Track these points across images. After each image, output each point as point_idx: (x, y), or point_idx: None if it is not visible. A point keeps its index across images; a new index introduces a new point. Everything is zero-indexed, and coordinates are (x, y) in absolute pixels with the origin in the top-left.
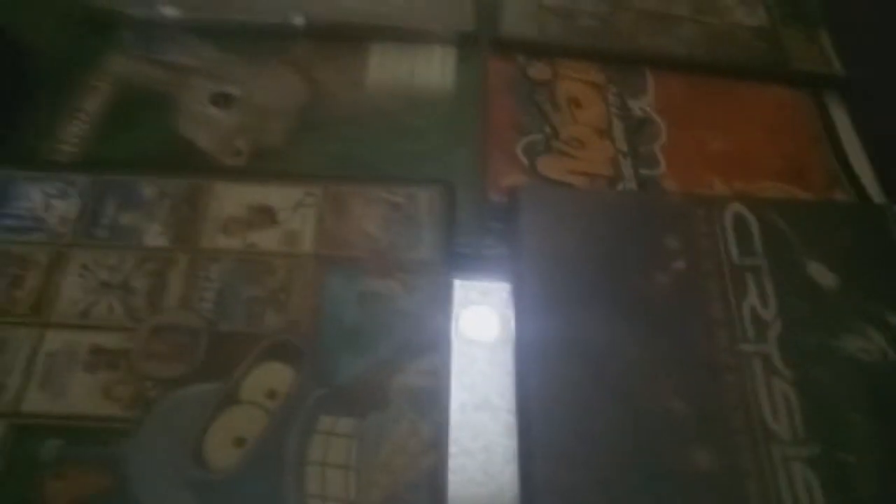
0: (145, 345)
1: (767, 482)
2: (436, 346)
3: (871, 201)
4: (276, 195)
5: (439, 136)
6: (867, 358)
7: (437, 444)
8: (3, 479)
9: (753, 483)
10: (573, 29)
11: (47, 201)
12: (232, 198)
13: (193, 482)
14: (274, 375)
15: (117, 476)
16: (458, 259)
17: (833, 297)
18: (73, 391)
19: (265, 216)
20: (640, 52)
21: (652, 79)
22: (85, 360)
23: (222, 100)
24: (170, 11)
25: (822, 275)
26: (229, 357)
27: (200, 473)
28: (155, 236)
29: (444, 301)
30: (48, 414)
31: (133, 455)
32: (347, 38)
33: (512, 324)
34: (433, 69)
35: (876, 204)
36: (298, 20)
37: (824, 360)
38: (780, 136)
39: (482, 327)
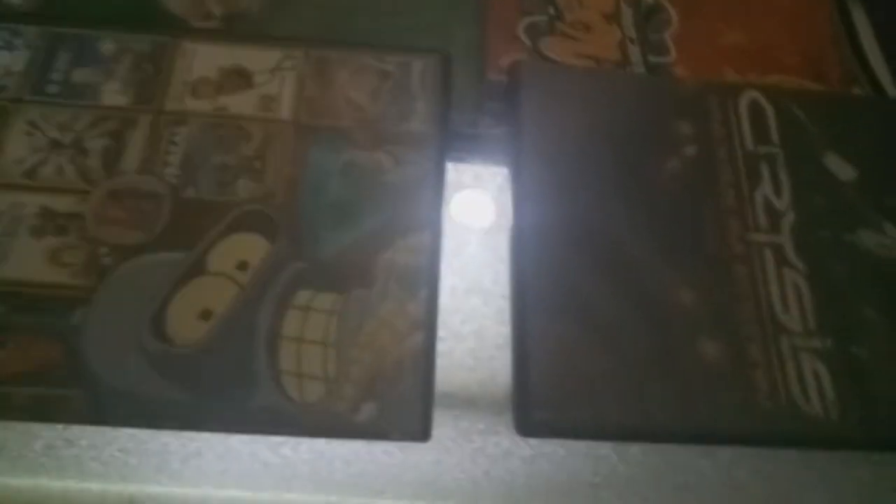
0: (100, 208)
1: (776, 373)
2: (426, 223)
3: (889, 97)
4: (252, 57)
5: (436, 10)
6: (884, 253)
7: (426, 323)
8: None
9: (762, 373)
10: None
11: None
12: (202, 58)
13: (154, 355)
14: (246, 246)
15: (68, 346)
16: (454, 139)
17: (850, 191)
18: (17, 256)
19: (239, 79)
20: None
21: None
22: (31, 224)
23: None
24: None
25: (840, 167)
26: (196, 226)
27: (161, 346)
28: (113, 95)
29: (436, 176)
30: None
31: (85, 325)
32: None
33: (508, 208)
34: None
35: (894, 98)
36: None
37: (839, 253)
38: (797, 31)
39: (476, 211)
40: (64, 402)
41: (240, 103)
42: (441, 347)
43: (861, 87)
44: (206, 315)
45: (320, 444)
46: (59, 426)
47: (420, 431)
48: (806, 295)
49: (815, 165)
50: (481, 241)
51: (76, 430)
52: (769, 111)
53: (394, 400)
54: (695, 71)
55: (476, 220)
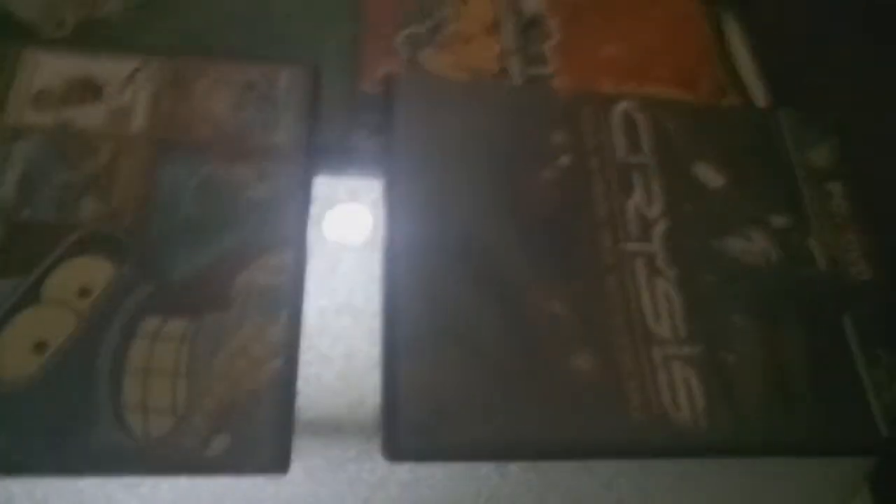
0: None
1: (647, 383)
2: (289, 240)
3: (758, 107)
4: (103, 68)
5: (307, 20)
6: (750, 260)
7: (286, 348)
8: None
9: (634, 384)
10: None
11: None
12: (45, 68)
13: None
14: (88, 271)
15: None
16: (325, 153)
17: (719, 199)
18: None
19: (87, 90)
20: None
21: None
22: None
23: None
24: None
25: (709, 176)
26: (32, 251)
27: None
28: None
29: (301, 192)
30: None
31: None
32: None
33: (378, 225)
34: None
35: (763, 109)
36: None
37: (708, 261)
38: (672, 43)
39: (348, 227)
40: None
41: (87, 116)
42: (307, 371)
43: (732, 97)
44: (39, 348)
45: (183, 481)
46: None
47: (277, 463)
48: (676, 303)
49: (685, 174)
50: (353, 258)
51: None
52: (641, 122)
53: (248, 431)
54: (573, 82)
55: (349, 236)
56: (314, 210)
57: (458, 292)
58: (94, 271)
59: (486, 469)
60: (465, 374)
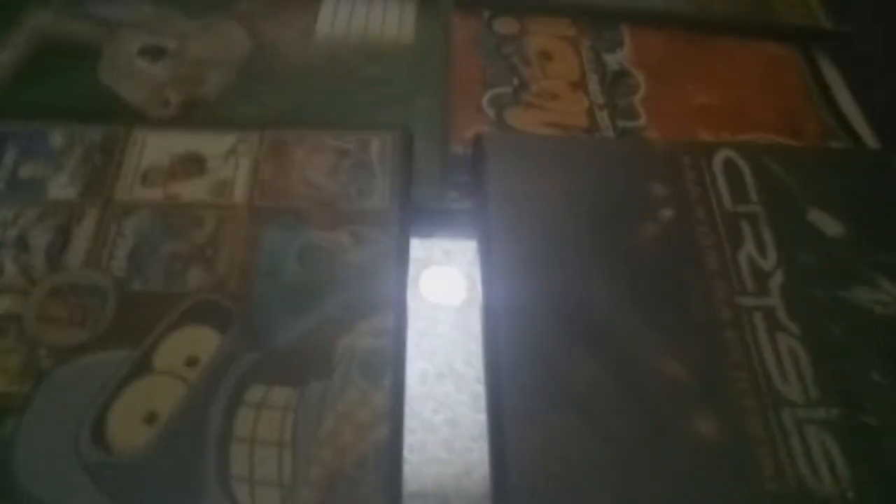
0: (41, 308)
1: (780, 450)
2: (389, 303)
3: (869, 148)
4: (205, 142)
5: (397, 86)
6: (882, 310)
7: (391, 414)
8: None
9: (765, 451)
10: None
11: None
12: (153, 146)
13: (92, 466)
14: (196, 340)
15: (5, 455)
16: (419, 214)
17: (840, 246)
18: None
19: (191, 165)
20: (614, 9)
21: (628, 33)
22: None
23: (153, 52)
24: None
25: (826, 222)
26: (143, 321)
27: (101, 455)
28: (61, 188)
29: (399, 254)
30: None
31: (18, 437)
32: None
33: (479, 285)
34: (391, 21)
35: (877, 150)
36: None
37: (834, 313)
38: (769, 89)
39: (445, 289)
40: None
41: (192, 190)
42: (411, 440)
43: (839, 140)
44: (151, 418)
45: None
46: None
47: None
48: (804, 360)
49: (800, 222)
50: (452, 320)
51: None
52: (745, 169)
53: (358, 502)
54: (666, 133)
55: (445, 298)
56: (410, 272)
57: (565, 355)
58: (202, 340)
59: None
60: (578, 441)
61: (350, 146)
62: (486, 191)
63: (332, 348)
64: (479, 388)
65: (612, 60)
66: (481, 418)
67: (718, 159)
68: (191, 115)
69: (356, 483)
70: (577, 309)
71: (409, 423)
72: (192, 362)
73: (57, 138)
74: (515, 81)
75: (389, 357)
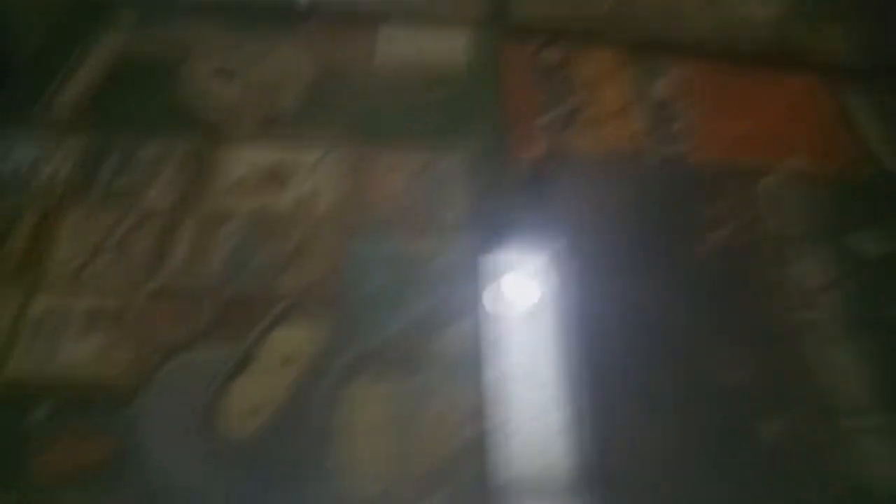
0: (146, 307)
1: (839, 455)
2: (470, 309)
3: None
4: (290, 158)
5: (456, 112)
6: None
7: (480, 412)
8: None
9: (825, 456)
10: (589, 14)
11: (35, 159)
12: (242, 160)
13: (207, 452)
14: (293, 339)
15: (121, 443)
16: (489, 229)
17: (884, 266)
18: (66, 355)
19: (278, 179)
20: (658, 39)
21: (672, 62)
22: (78, 324)
23: (227, 74)
24: None
25: (868, 244)
26: (241, 321)
27: (214, 443)
28: (156, 198)
29: (477, 265)
30: (37, 378)
31: (137, 422)
32: (355, 19)
33: (549, 295)
34: (446, 48)
35: None
36: (303, 1)
37: (881, 327)
38: (802, 118)
39: (516, 298)
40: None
41: (279, 201)
42: (495, 438)
43: (867, 166)
44: (257, 410)
45: None
46: None
47: None
48: (859, 372)
49: (842, 242)
50: (525, 327)
51: None
52: (788, 194)
53: (456, 493)
54: (709, 159)
55: (518, 306)
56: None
57: (637, 359)
58: (300, 339)
59: None
60: (655, 441)
61: (425, 164)
62: (550, 210)
63: (421, 350)
64: (554, 391)
65: (657, 89)
66: (561, 418)
67: (763, 185)
68: (267, 134)
69: (453, 478)
70: (647, 318)
71: (496, 420)
72: (291, 360)
73: (148, 151)
74: (566, 107)
75: (473, 359)
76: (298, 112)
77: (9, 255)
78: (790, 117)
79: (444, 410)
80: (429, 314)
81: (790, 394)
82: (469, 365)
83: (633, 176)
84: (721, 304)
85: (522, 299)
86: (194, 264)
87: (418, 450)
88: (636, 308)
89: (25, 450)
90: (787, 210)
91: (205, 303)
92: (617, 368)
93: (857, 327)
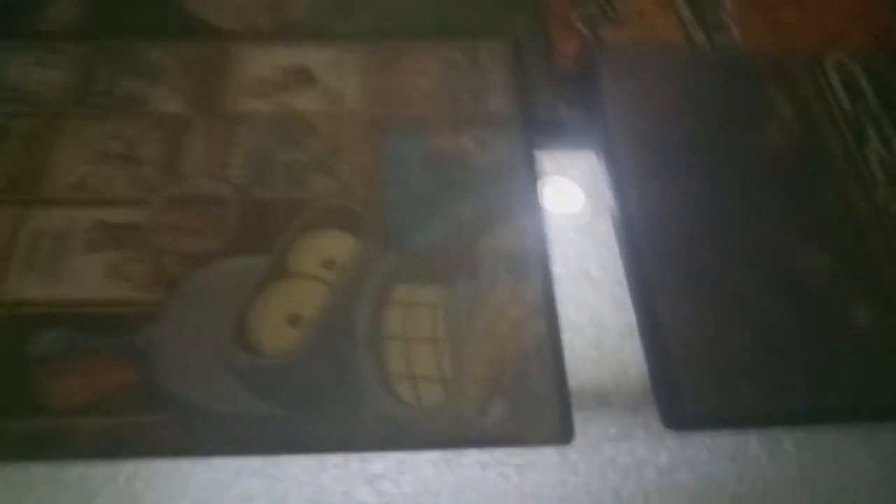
0: (161, 217)
1: None
2: (524, 206)
3: None
4: (310, 54)
5: (488, 3)
6: None
7: (545, 310)
8: None
9: None
10: None
11: (26, 70)
12: (256, 59)
13: (241, 369)
14: (330, 243)
15: (142, 367)
16: (535, 125)
17: None
18: (73, 273)
19: (299, 76)
20: None
21: None
22: (85, 238)
23: None
24: None
25: None
26: (271, 226)
27: (249, 358)
28: (163, 101)
29: (525, 158)
30: (43, 301)
31: (159, 342)
32: None
33: (597, 194)
34: None
35: None
36: None
37: None
38: (859, 8)
39: (567, 198)
40: (141, 431)
41: (303, 99)
42: (558, 340)
43: None
44: (294, 320)
45: (427, 472)
46: (127, 466)
47: (561, 432)
48: None
49: None
50: (577, 227)
51: (145, 471)
52: (857, 69)
53: (525, 397)
54: (762, 45)
55: (570, 206)
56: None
57: (709, 254)
58: (336, 243)
59: (753, 447)
60: (735, 337)
61: (459, 54)
62: (603, 103)
63: (473, 249)
64: (618, 290)
65: None
66: (625, 318)
67: (830, 62)
68: (284, 32)
69: (522, 379)
70: (714, 210)
71: (558, 321)
72: (329, 264)
73: (151, 54)
74: (601, 1)
75: (534, 255)
76: (315, 14)
77: (3, 170)
78: (847, 8)
79: (504, 308)
80: (476, 213)
81: (878, 278)
82: (530, 260)
83: (684, 66)
84: (797, 191)
85: (575, 198)
86: (212, 167)
87: (477, 354)
88: (699, 205)
89: (36, 377)
90: (859, 86)
91: (229, 208)
92: (683, 269)
93: None
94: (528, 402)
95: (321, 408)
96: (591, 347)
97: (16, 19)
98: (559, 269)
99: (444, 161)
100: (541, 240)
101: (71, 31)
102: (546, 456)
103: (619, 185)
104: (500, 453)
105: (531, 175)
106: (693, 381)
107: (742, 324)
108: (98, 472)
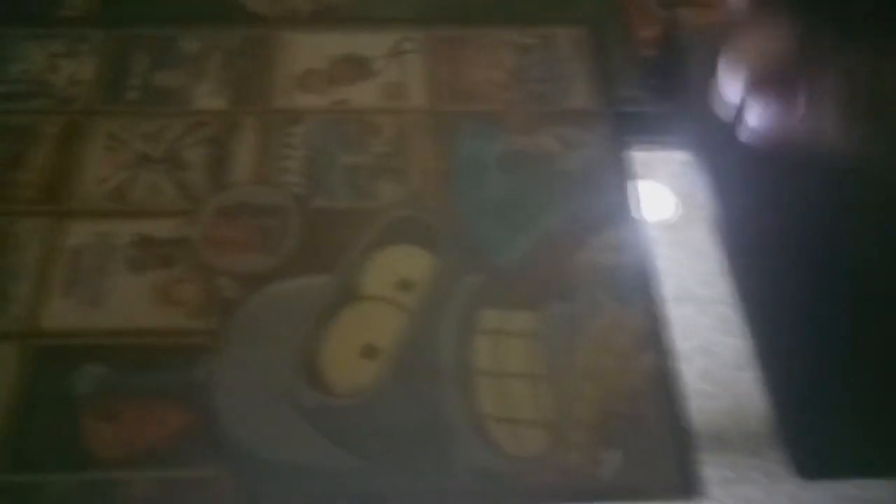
0: (211, 230)
1: None
2: (618, 214)
3: None
4: (364, 42)
5: None
6: None
7: (654, 337)
8: (27, 422)
9: None
10: None
11: (51, 61)
12: (305, 47)
13: (311, 410)
14: (404, 261)
15: (199, 409)
16: (620, 121)
17: None
18: (117, 297)
19: (354, 67)
20: None
21: None
22: (127, 256)
23: None
24: None
25: None
26: (334, 241)
27: (320, 398)
28: (206, 97)
29: (615, 158)
30: (81, 331)
31: (216, 379)
32: None
33: (691, 199)
34: None
35: None
36: None
37: None
38: None
39: (659, 204)
40: (198, 486)
41: (360, 94)
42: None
43: None
44: (370, 352)
45: None
46: None
47: (685, 485)
48: None
49: None
50: (672, 238)
51: None
52: None
53: (641, 444)
54: None
55: (662, 212)
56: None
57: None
58: (411, 261)
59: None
60: (867, 371)
61: (534, 42)
62: (691, 94)
63: (566, 266)
64: (725, 311)
65: None
66: (736, 343)
67: None
68: (331, 19)
69: (637, 423)
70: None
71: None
72: (405, 286)
73: (188, 43)
74: None
75: (636, 273)
76: None
77: (33, 177)
78: None
79: (608, 338)
80: (566, 224)
81: None
82: (632, 280)
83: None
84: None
85: (667, 203)
86: (267, 173)
87: (580, 393)
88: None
89: (76, 422)
90: None
91: (287, 220)
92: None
93: None
94: (644, 450)
95: (404, 457)
96: (703, 380)
97: (35, 4)
98: (668, 285)
99: (524, 163)
100: (642, 255)
101: (95, 18)
102: None
103: (718, 189)
104: None
105: (623, 178)
106: (825, 421)
107: (874, 354)
108: None
